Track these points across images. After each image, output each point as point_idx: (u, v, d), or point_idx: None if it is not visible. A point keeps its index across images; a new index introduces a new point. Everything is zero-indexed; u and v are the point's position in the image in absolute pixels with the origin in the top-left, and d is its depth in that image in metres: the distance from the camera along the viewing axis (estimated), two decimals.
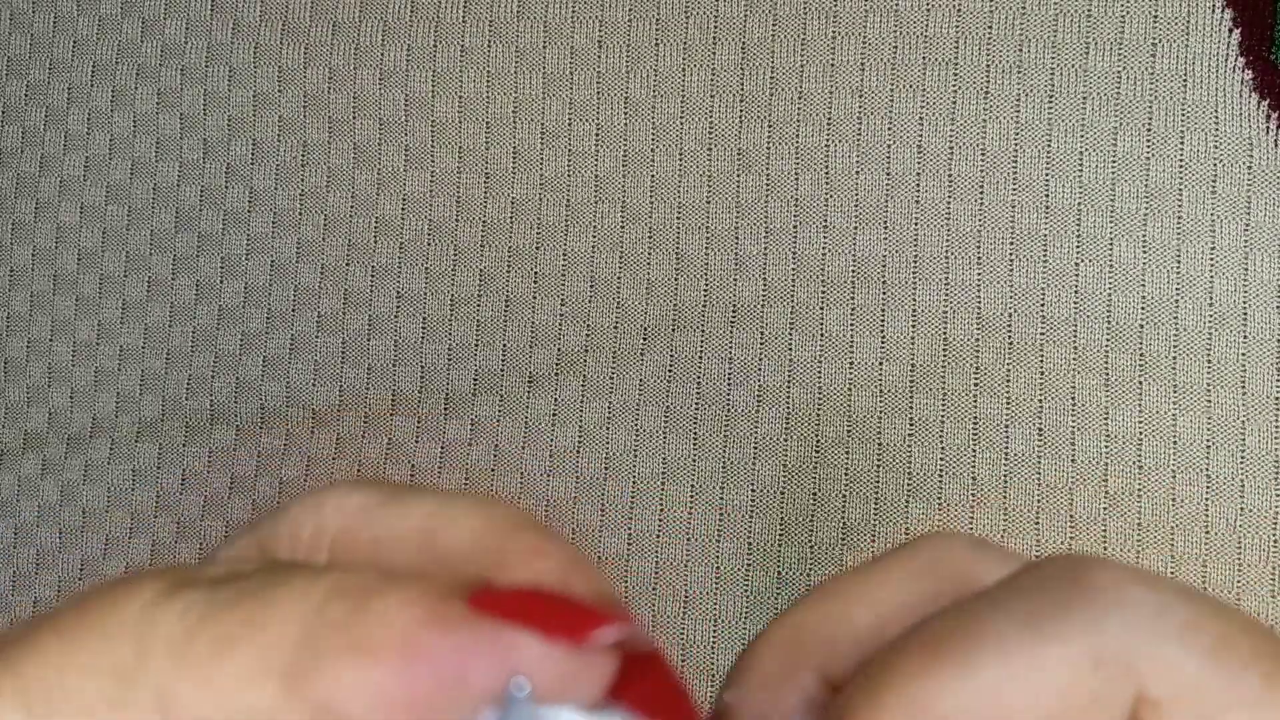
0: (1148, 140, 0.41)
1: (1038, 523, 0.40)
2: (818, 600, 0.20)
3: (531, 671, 0.16)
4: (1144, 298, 0.41)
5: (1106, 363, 0.41)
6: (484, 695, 0.15)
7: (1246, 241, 0.40)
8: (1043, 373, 0.41)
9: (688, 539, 0.43)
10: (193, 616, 0.16)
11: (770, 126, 0.43)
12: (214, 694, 0.16)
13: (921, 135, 0.42)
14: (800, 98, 0.43)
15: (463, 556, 0.18)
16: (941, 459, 0.41)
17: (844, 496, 0.42)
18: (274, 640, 0.16)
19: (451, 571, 0.17)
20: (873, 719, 0.17)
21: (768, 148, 0.43)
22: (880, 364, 0.42)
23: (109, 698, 0.16)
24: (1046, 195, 0.41)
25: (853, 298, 0.42)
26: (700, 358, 0.43)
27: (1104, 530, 0.40)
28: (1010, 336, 0.41)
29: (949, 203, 0.42)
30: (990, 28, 0.42)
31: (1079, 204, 0.41)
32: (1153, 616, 0.17)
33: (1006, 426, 0.41)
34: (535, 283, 0.44)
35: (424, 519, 0.18)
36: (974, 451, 0.41)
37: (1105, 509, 0.40)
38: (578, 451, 0.44)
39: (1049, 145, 0.41)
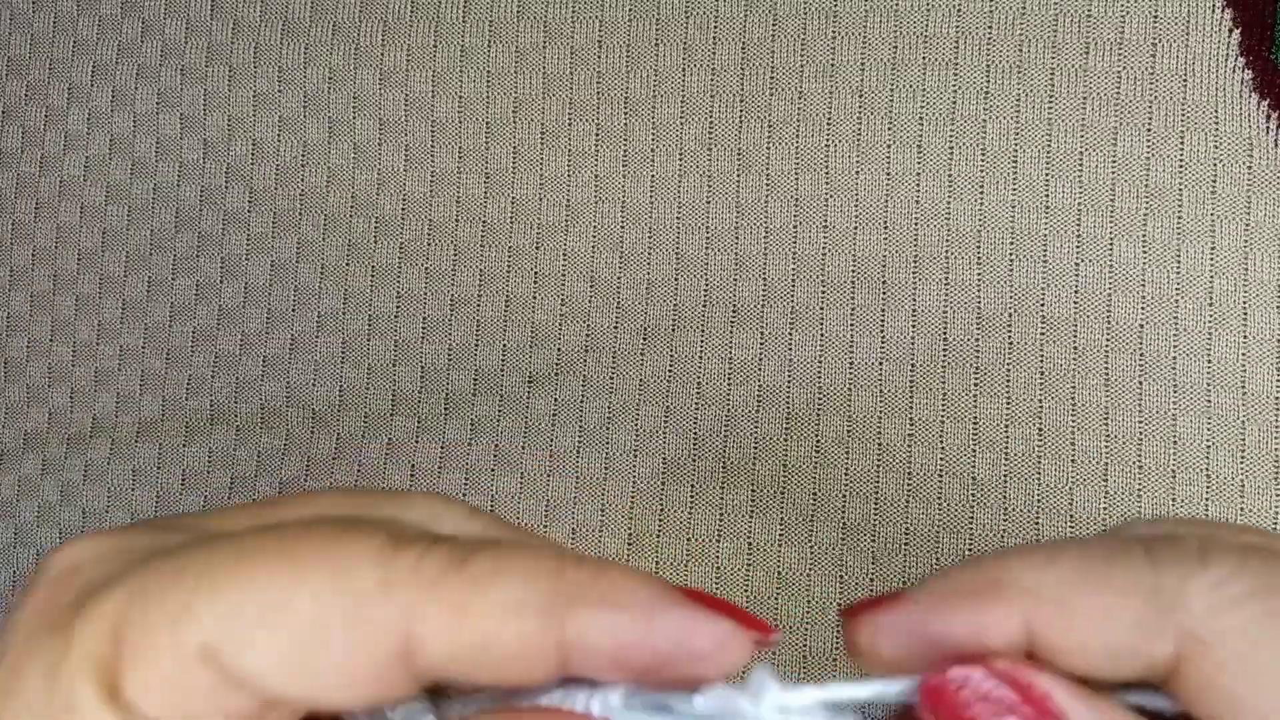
0: (1148, 140, 0.41)
1: (1038, 523, 0.40)
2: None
3: (725, 652, 0.19)
4: (1144, 298, 0.41)
5: (1106, 363, 0.41)
6: (697, 665, 0.19)
7: (1246, 241, 0.40)
8: (1042, 373, 0.41)
9: (688, 539, 0.43)
10: (440, 558, 0.19)
11: (770, 126, 0.43)
12: (467, 621, 0.18)
13: (921, 135, 0.42)
14: (800, 98, 0.43)
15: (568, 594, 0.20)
16: (941, 459, 0.41)
17: (844, 496, 0.42)
18: (527, 586, 0.19)
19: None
20: (951, 576, 0.20)
21: (768, 148, 0.43)
22: (880, 364, 0.42)
23: (346, 616, 0.18)
24: (1046, 195, 0.41)
25: (853, 298, 0.42)
26: (700, 358, 0.43)
27: (1104, 530, 0.40)
28: (1010, 336, 0.41)
29: (949, 203, 0.42)
30: (990, 28, 0.42)
31: (1079, 204, 0.41)
32: (1223, 569, 0.19)
33: (1006, 426, 0.41)
34: (535, 283, 0.44)
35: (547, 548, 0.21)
36: (974, 451, 0.41)
37: (1105, 509, 0.40)
38: (578, 451, 0.44)
39: (1049, 145, 0.41)
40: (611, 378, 0.44)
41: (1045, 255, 0.41)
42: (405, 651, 0.18)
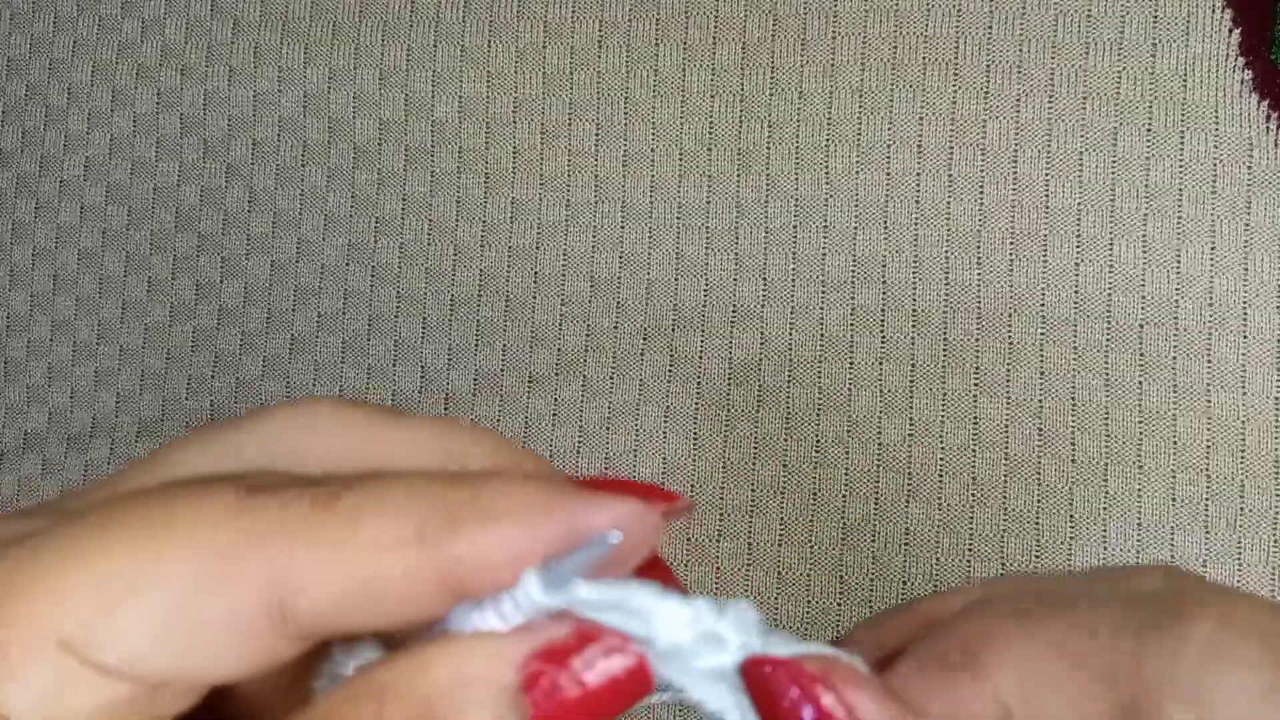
0: (1148, 140, 0.41)
1: (1038, 523, 0.40)
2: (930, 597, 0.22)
3: (631, 528, 0.18)
4: (1144, 298, 0.41)
5: (1106, 363, 0.41)
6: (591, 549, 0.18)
7: (1246, 241, 0.40)
8: (1043, 373, 0.41)
9: (688, 539, 0.43)
10: (303, 503, 0.17)
11: (770, 126, 0.43)
12: (344, 562, 0.17)
13: (921, 135, 0.42)
14: (800, 98, 0.43)
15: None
16: (941, 459, 0.41)
17: (844, 496, 0.42)
18: (402, 514, 0.17)
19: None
20: (931, 644, 0.19)
21: (768, 148, 0.43)
22: (880, 364, 0.42)
23: (211, 576, 0.17)
24: (1046, 195, 0.41)
25: (853, 298, 0.42)
26: (700, 358, 0.43)
27: (1104, 530, 0.40)
28: (1010, 336, 0.41)
29: (949, 202, 0.42)
30: (990, 28, 0.42)
31: (1079, 204, 0.41)
32: (1257, 700, 0.18)
33: (1006, 427, 0.41)
34: (535, 283, 0.44)
35: (435, 438, 0.20)
36: (974, 452, 0.41)
37: (1105, 509, 0.40)
38: (578, 451, 0.44)
39: (1049, 145, 0.41)
40: (611, 378, 0.44)
41: (1045, 255, 0.41)
42: (279, 608, 0.17)
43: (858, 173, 0.43)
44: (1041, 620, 0.19)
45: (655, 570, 0.20)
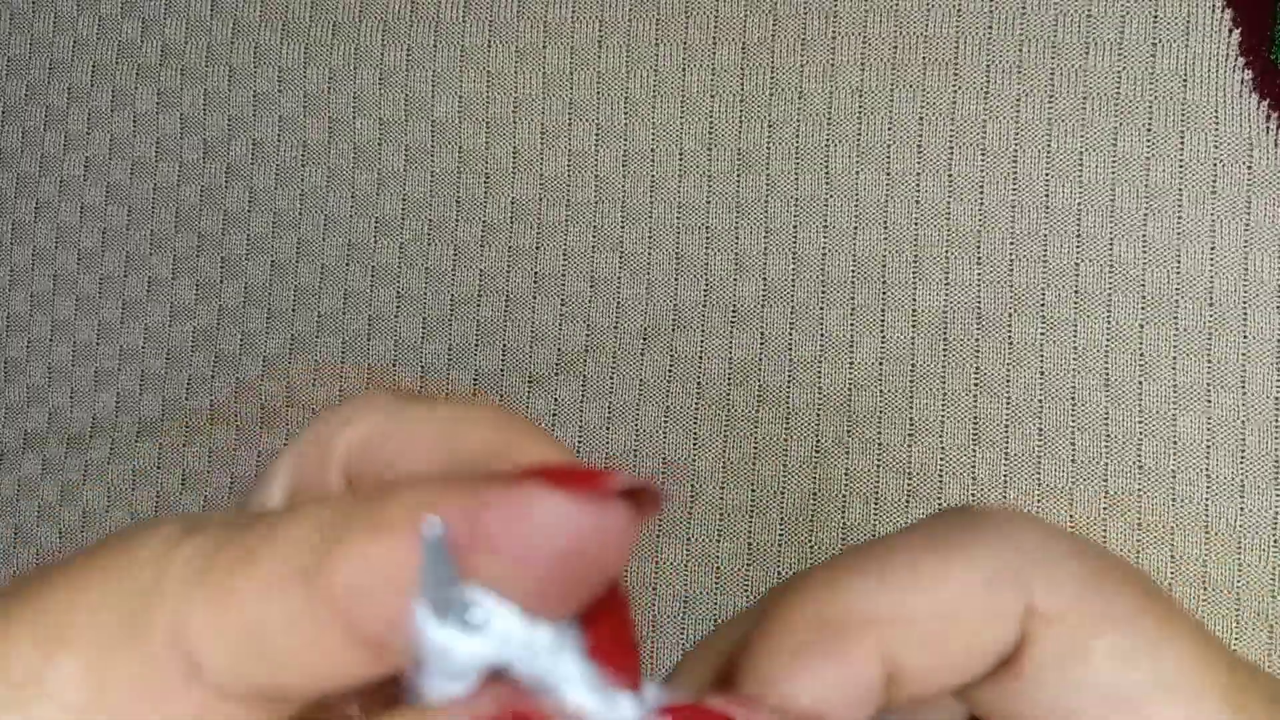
0: (1148, 140, 0.41)
1: None
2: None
3: (549, 523, 0.14)
4: (1144, 298, 0.41)
5: (1106, 363, 0.41)
6: (506, 550, 0.14)
7: (1246, 241, 0.40)
8: (1043, 373, 0.41)
9: (688, 539, 0.43)
10: (210, 544, 0.15)
11: (770, 126, 0.43)
12: (232, 610, 0.14)
13: (921, 135, 0.42)
14: (800, 98, 0.43)
15: (477, 463, 0.16)
16: (941, 459, 0.41)
17: (844, 496, 0.42)
18: (291, 545, 0.14)
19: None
20: (784, 620, 0.18)
21: (768, 148, 0.43)
22: (880, 364, 0.42)
23: (123, 629, 0.15)
24: (1046, 195, 0.41)
25: (853, 298, 0.42)
26: (700, 358, 0.43)
27: (1104, 530, 0.40)
28: (1010, 336, 0.41)
29: (949, 203, 0.42)
30: (990, 28, 0.42)
31: (1079, 204, 0.41)
32: (1039, 542, 0.18)
33: (1006, 427, 0.41)
34: (535, 282, 0.44)
35: (443, 423, 0.17)
36: (974, 451, 0.41)
37: (1105, 509, 0.40)
38: (578, 451, 0.44)
39: (1049, 145, 0.41)
40: (611, 378, 0.44)
41: (1045, 255, 0.41)
42: (186, 663, 0.15)
43: (858, 173, 0.43)
44: (885, 559, 0.18)
45: (609, 608, 0.16)
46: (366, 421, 0.17)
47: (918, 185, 0.42)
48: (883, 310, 0.42)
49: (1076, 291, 0.41)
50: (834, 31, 0.43)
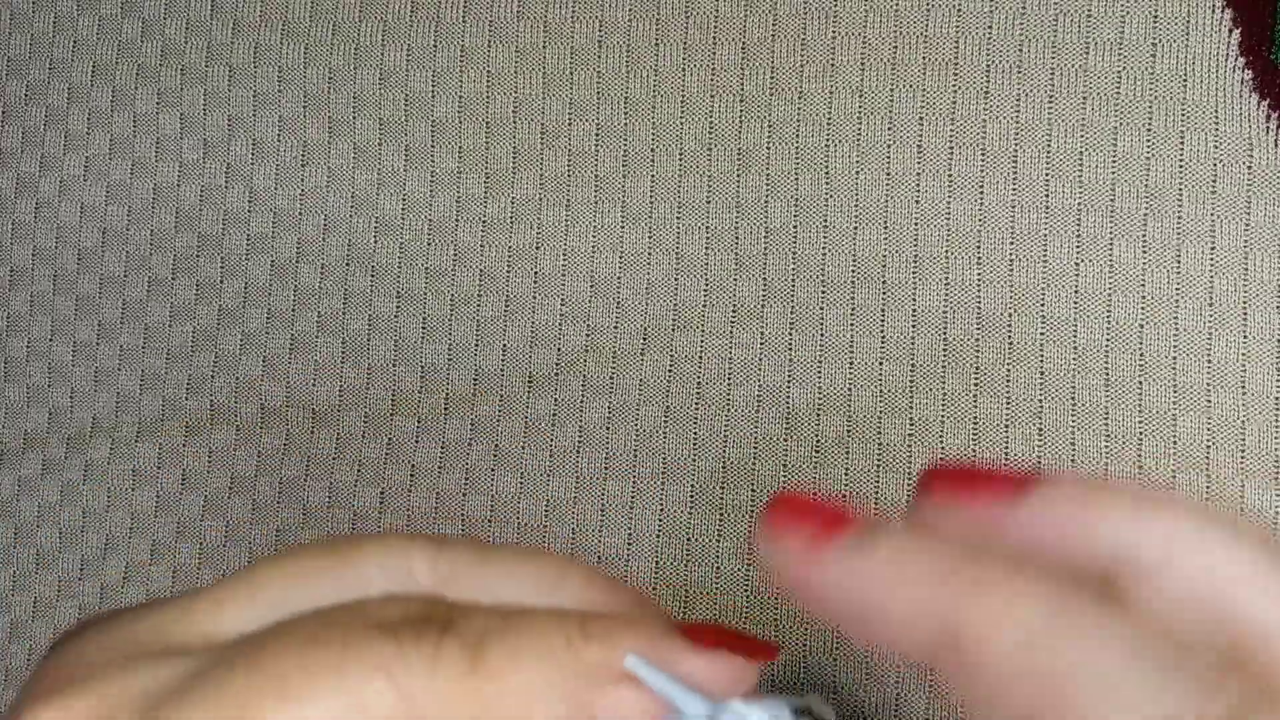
0: (1148, 140, 0.41)
1: None
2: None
3: (737, 686, 0.20)
4: (1144, 298, 0.41)
5: (1106, 363, 0.41)
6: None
7: (1246, 241, 0.40)
8: (1043, 373, 0.41)
9: (688, 539, 0.43)
10: (453, 658, 0.19)
11: (770, 126, 0.43)
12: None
13: (921, 135, 0.42)
14: (800, 98, 0.43)
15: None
16: (941, 459, 0.41)
17: (844, 496, 0.42)
18: (545, 675, 0.19)
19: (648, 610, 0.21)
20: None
21: (768, 148, 0.43)
22: (880, 364, 0.42)
23: None
24: (1046, 195, 0.41)
25: (853, 298, 0.42)
26: (700, 358, 0.43)
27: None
28: (1010, 336, 0.41)
29: (949, 203, 0.42)
30: (990, 28, 0.42)
31: (1079, 204, 0.41)
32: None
33: (1006, 426, 0.41)
34: (535, 283, 0.44)
35: (533, 573, 0.21)
36: (974, 452, 0.41)
37: None
38: (578, 451, 0.44)
39: (1049, 145, 0.41)
40: (611, 378, 0.44)
41: (1045, 255, 0.41)
42: None
43: (857, 173, 0.43)
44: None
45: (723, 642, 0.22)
46: (444, 565, 0.21)
47: (917, 185, 0.42)
48: (883, 310, 0.42)
49: (1076, 291, 0.41)
50: (834, 32, 0.43)
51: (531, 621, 0.19)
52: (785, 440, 0.42)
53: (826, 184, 0.43)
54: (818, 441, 0.42)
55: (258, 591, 0.20)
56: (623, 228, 0.44)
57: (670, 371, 0.43)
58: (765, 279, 0.43)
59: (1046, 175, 0.41)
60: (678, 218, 0.44)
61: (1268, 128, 0.40)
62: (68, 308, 0.48)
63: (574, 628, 0.19)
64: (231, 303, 0.46)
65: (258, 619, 0.19)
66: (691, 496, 0.43)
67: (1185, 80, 0.41)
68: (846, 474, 0.42)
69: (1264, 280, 0.40)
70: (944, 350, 0.42)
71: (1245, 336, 0.40)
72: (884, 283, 0.42)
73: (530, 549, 0.21)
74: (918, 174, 0.42)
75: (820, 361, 0.42)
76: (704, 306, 0.43)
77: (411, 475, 0.45)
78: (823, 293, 0.43)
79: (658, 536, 0.43)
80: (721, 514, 0.42)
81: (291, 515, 0.45)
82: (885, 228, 0.42)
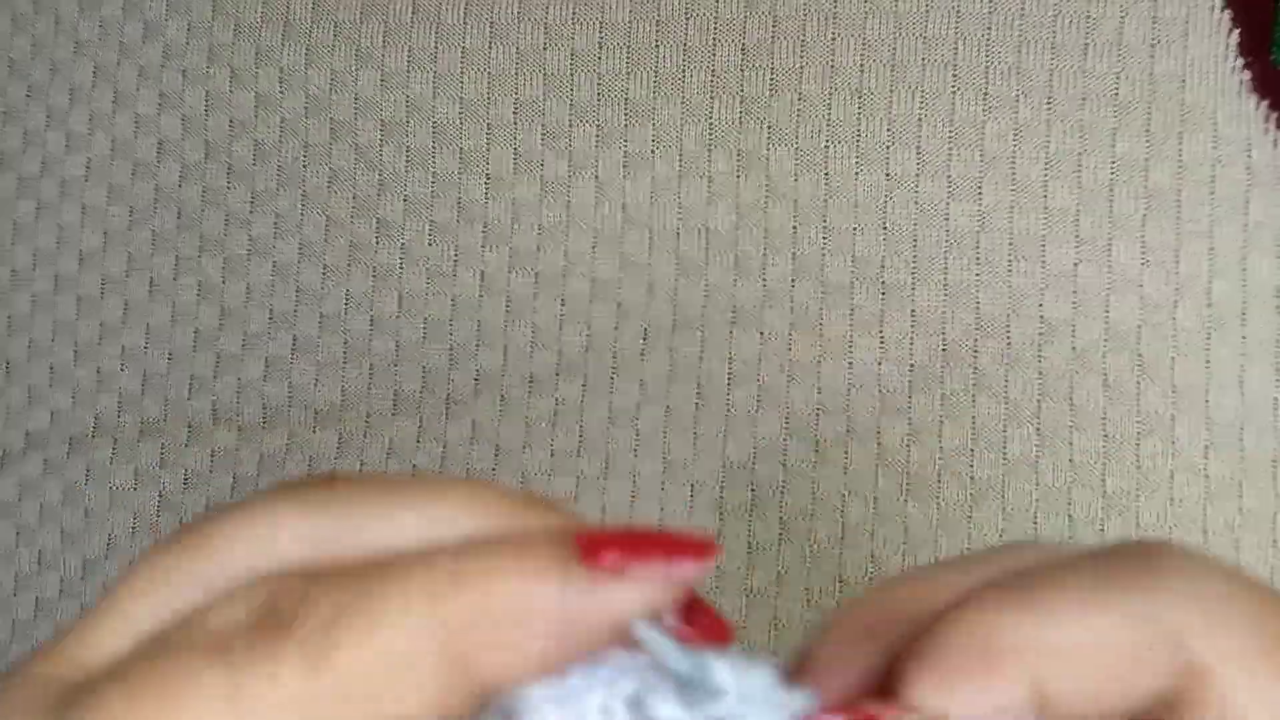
0: (1147, 141, 0.41)
1: (1036, 523, 0.41)
2: (895, 584, 0.20)
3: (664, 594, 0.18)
4: (1142, 299, 0.41)
5: (1105, 364, 0.41)
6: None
7: (1245, 242, 0.40)
8: (1041, 373, 0.41)
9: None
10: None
11: (770, 127, 0.43)
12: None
13: (920, 136, 0.42)
14: (799, 99, 0.43)
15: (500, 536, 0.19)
16: (940, 459, 0.41)
17: (844, 496, 0.42)
18: (409, 635, 0.17)
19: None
20: (941, 649, 0.18)
21: (768, 148, 0.43)
22: (880, 364, 0.42)
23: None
24: (1045, 196, 0.41)
25: (852, 298, 0.42)
26: (700, 358, 0.43)
27: (1103, 530, 0.40)
28: (1009, 337, 0.41)
29: (948, 203, 0.42)
30: (989, 29, 0.42)
31: (1078, 205, 0.41)
32: (1213, 591, 0.18)
33: (1005, 427, 0.41)
34: (536, 284, 0.45)
35: (417, 529, 0.19)
36: (973, 452, 0.41)
37: (1104, 509, 0.40)
38: (578, 452, 0.44)
39: (1048, 146, 0.41)
40: (612, 379, 0.44)
41: (1044, 256, 0.41)
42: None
43: (857, 174, 0.43)
44: (1052, 595, 0.18)
45: (693, 609, 0.19)
46: (308, 532, 0.19)
47: (916, 186, 0.42)
48: (882, 311, 0.42)
49: (1075, 293, 0.41)
50: (833, 33, 0.43)
51: (395, 576, 0.17)
52: (785, 441, 0.42)
53: (826, 185, 0.43)
54: (818, 442, 0.42)
55: (120, 623, 0.19)
56: (623, 229, 0.44)
57: (670, 373, 0.43)
58: (765, 280, 0.43)
59: (1045, 176, 0.41)
60: (678, 219, 0.44)
61: (1266, 129, 0.40)
62: (69, 308, 0.48)
63: (443, 576, 0.17)
64: (233, 303, 0.47)
65: (130, 645, 0.18)
66: (691, 496, 0.43)
67: (1184, 81, 0.41)
68: (846, 474, 0.42)
69: (1263, 281, 0.40)
70: (943, 351, 0.42)
71: (1244, 338, 0.40)
72: (883, 284, 0.42)
73: (441, 479, 0.19)
74: (916, 175, 0.42)
75: (820, 362, 0.42)
76: (704, 308, 0.43)
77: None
78: (822, 294, 0.43)
79: None
80: (721, 514, 0.43)
81: None
82: (884, 229, 0.42)
